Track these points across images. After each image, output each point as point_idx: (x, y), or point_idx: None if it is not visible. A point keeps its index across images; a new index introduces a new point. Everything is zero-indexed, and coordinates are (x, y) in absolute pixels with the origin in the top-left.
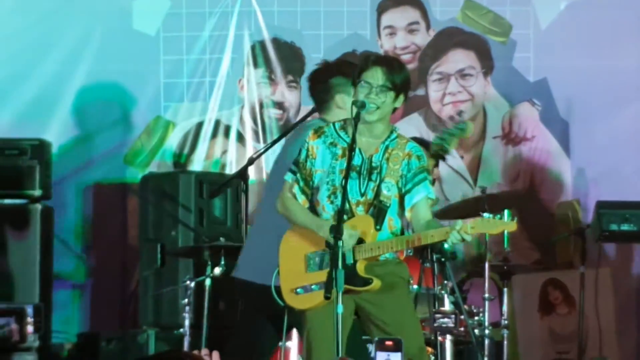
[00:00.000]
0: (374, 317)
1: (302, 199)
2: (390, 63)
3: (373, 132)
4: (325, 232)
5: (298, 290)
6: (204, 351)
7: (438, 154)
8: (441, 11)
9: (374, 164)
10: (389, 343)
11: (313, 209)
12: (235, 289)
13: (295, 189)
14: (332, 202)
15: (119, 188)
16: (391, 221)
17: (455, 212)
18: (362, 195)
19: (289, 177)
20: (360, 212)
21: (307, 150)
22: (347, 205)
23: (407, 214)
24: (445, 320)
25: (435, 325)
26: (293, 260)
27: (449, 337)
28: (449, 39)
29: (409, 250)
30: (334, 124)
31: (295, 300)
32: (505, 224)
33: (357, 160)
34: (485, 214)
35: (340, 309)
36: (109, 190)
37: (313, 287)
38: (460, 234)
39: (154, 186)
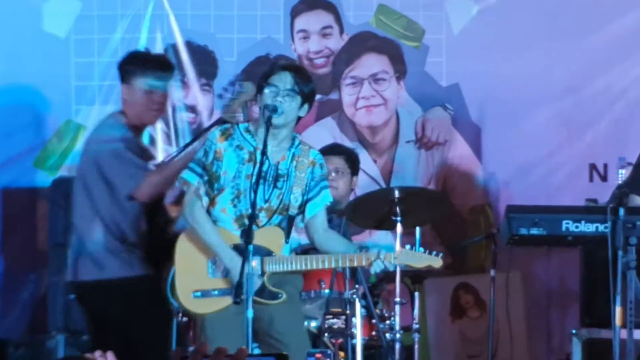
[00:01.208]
0: (264, 334)
1: (205, 200)
2: (299, 70)
3: (277, 138)
4: (233, 265)
5: (196, 293)
6: (97, 353)
7: (226, 122)
8: (355, 15)
9: (280, 172)
10: (318, 356)
11: (207, 209)
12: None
13: (201, 191)
14: (235, 206)
15: (29, 192)
16: (294, 230)
17: (365, 207)
18: (266, 202)
19: (193, 179)
20: (263, 218)
21: (215, 152)
22: (249, 211)
23: (305, 222)
24: (335, 321)
25: (325, 327)
26: (192, 262)
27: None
28: (363, 43)
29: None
30: (239, 126)
31: (192, 304)
32: (431, 259)
33: (264, 166)
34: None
35: (250, 313)
36: (18, 195)
37: (214, 292)
38: (384, 263)
39: (64, 190)
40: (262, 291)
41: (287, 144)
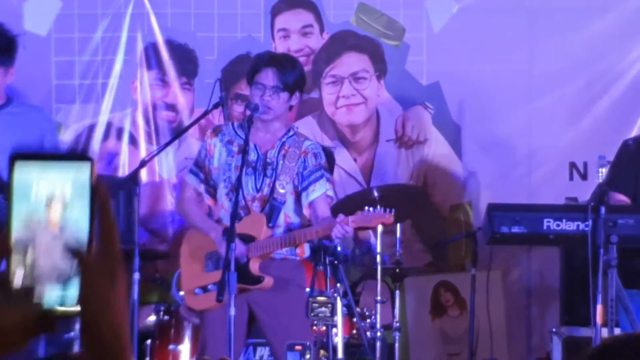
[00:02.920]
0: (264, 324)
1: (208, 198)
2: (281, 63)
3: (269, 129)
4: (217, 234)
5: (197, 290)
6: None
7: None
8: (335, 14)
9: (268, 160)
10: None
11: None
12: None
13: (202, 189)
14: (230, 200)
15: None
16: (288, 218)
17: (344, 209)
18: (258, 190)
19: (190, 178)
20: (256, 207)
21: (205, 149)
22: (242, 202)
23: (306, 212)
24: (323, 309)
25: (312, 315)
26: (193, 260)
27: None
28: (343, 42)
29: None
30: (232, 123)
31: (194, 301)
32: (382, 216)
33: (252, 157)
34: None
35: (232, 310)
36: None
37: (210, 287)
38: (342, 226)
39: None
40: (246, 276)
41: (280, 134)
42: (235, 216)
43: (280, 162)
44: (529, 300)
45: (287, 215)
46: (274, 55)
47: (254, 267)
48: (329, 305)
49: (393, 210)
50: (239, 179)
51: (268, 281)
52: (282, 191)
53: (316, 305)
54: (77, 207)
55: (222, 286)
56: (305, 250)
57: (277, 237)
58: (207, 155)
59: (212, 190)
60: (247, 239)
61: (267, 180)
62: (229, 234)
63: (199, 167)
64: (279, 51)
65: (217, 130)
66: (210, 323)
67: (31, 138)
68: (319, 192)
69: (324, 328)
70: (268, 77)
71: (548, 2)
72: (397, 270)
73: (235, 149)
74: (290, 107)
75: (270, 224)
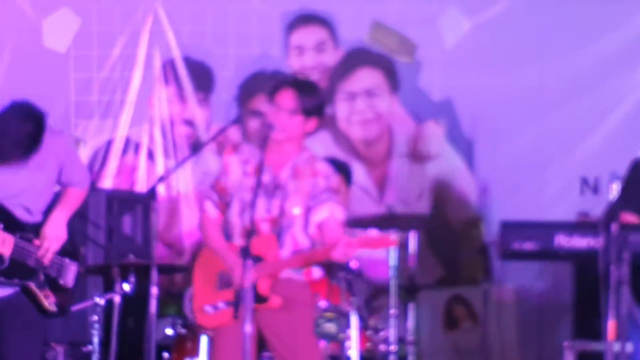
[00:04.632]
0: (270, 344)
1: (215, 213)
2: (300, 87)
3: (283, 151)
4: (232, 260)
5: (207, 308)
6: None
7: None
8: (349, 31)
9: (279, 182)
10: None
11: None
12: None
13: (209, 205)
14: (242, 219)
15: None
16: (297, 239)
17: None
18: (268, 212)
19: (206, 194)
20: (265, 228)
21: (222, 166)
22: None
23: (314, 233)
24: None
25: (318, 330)
26: (206, 278)
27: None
28: (357, 58)
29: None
30: (251, 143)
31: (204, 319)
32: (386, 239)
33: (266, 178)
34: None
35: (248, 327)
36: None
37: (220, 305)
38: (344, 248)
39: None
40: (253, 296)
41: (293, 156)
42: (251, 233)
43: (291, 183)
44: (540, 314)
45: (295, 236)
46: (296, 79)
47: (262, 287)
48: (335, 320)
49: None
50: (253, 199)
51: (275, 300)
52: (292, 212)
53: (322, 320)
54: None
55: (238, 303)
56: (313, 271)
57: (284, 259)
58: (223, 172)
59: (221, 205)
60: (256, 260)
61: (276, 202)
62: (244, 252)
63: (214, 182)
64: (293, 68)
65: (235, 148)
66: (220, 340)
67: None
68: (326, 213)
69: (332, 343)
70: (285, 99)
71: (559, 19)
72: (410, 284)
73: (250, 169)
74: (308, 133)
75: (279, 245)
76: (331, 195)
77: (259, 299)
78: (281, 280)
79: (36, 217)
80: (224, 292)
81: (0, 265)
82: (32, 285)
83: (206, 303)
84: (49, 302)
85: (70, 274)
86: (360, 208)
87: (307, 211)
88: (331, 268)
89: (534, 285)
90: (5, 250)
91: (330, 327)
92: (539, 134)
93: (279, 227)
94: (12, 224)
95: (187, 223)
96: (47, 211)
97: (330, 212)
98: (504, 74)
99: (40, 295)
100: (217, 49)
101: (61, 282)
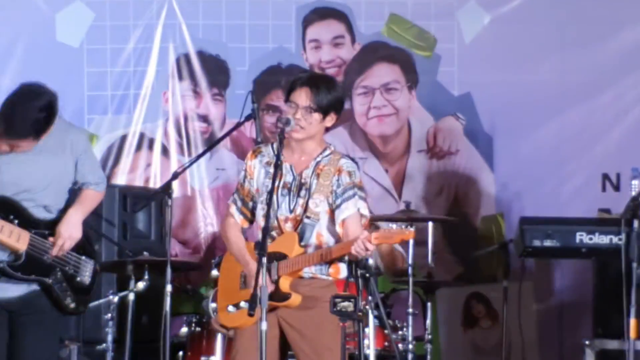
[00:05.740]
0: (294, 343)
1: (240, 218)
2: (316, 84)
3: (304, 150)
4: (250, 269)
5: (229, 307)
6: None
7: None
8: (366, 25)
9: (303, 180)
10: None
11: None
12: None
13: (233, 210)
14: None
15: None
16: (321, 237)
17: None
18: (292, 211)
19: (230, 199)
20: (288, 228)
21: (245, 170)
22: (275, 222)
23: (339, 230)
24: (346, 304)
25: (335, 309)
26: (230, 279)
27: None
28: (374, 52)
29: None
30: (272, 143)
31: (226, 318)
32: (403, 233)
33: (288, 178)
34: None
35: (264, 325)
36: None
37: (242, 304)
38: (364, 243)
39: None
40: (275, 294)
41: (315, 154)
42: (267, 230)
43: (315, 181)
44: (561, 312)
45: (320, 234)
46: (312, 76)
47: (284, 284)
48: (352, 300)
49: (414, 226)
50: (270, 197)
51: (295, 298)
52: (315, 210)
53: (339, 300)
54: None
55: (253, 300)
56: (341, 271)
57: (305, 255)
58: (246, 177)
59: (245, 211)
60: (279, 257)
61: (301, 201)
62: (260, 248)
63: (237, 187)
64: (310, 62)
65: (256, 152)
66: (241, 339)
67: None
68: (351, 210)
69: (348, 322)
70: (302, 96)
71: (579, 13)
72: (429, 281)
73: (272, 170)
74: (327, 129)
75: (302, 243)
76: (356, 191)
77: (280, 296)
78: (304, 279)
79: (53, 215)
80: (245, 291)
81: (17, 261)
82: (50, 282)
83: (229, 303)
84: (67, 299)
85: (87, 272)
86: (378, 205)
87: (332, 208)
88: (349, 265)
89: (555, 283)
90: (21, 245)
91: (348, 306)
92: (560, 129)
93: (302, 225)
94: (27, 221)
95: (202, 220)
96: (64, 210)
97: (356, 209)
98: (524, 69)
99: (59, 292)
100: (232, 42)
101: (78, 279)
